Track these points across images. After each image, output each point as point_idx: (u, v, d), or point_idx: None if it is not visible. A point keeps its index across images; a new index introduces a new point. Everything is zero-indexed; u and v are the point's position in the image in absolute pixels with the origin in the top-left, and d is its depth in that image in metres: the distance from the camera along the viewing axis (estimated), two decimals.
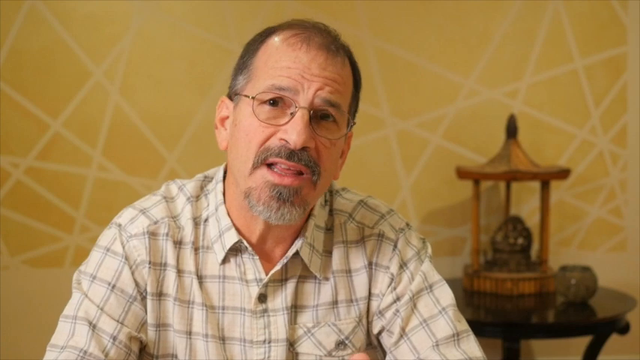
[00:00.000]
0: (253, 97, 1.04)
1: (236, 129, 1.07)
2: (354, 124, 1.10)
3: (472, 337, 1.11)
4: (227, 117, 1.11)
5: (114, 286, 1.08)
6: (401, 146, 2.88)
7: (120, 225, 1.12)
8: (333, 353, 1.12)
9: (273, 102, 1.03)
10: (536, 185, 2.87)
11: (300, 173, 1.03)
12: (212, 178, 1.17)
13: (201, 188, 1.16)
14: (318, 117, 1.04)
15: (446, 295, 1.13)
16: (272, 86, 1.03)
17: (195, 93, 2.76)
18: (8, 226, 2.75)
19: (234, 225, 1.10)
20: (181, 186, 1.16)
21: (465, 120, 2.90)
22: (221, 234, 1.10)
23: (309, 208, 1.06)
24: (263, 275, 1.10)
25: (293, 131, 1.01)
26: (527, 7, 2.89)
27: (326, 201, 1.17)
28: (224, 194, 1.13)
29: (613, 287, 2.79)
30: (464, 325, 1.12)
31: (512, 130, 2.70)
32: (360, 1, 2.82)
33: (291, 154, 1.01)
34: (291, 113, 1.02)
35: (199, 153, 2.77)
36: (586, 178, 2.96)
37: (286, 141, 1.01)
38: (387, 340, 1.14)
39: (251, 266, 1.10)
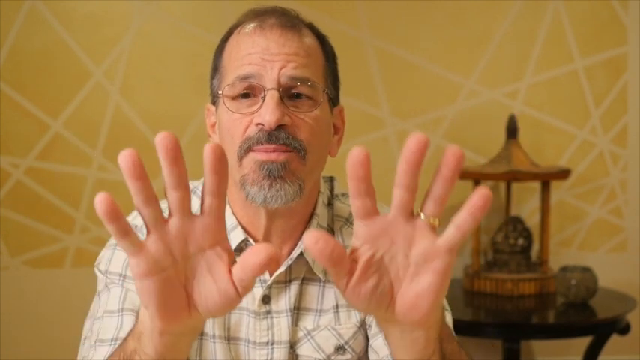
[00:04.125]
0: (222, 93, 1.05)
1: (220, 129, 1.08)
2: (328, 93, 1.08)
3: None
4: (215, 122, 1.13)
5: None
6: (401, 146, 2.85)
7: (135, 227, 1.11)
8: (332, 357, 1.11)
9: (245, 95, 1.04)
10: (536, 185, 2.87)
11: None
12: None
13: None
14: (291, 96, 1.04)
15: None
16: (237, 77, 1.04)
17: (196, 93, 2.76)
18: (8, 226, 2.75)
19: (239, 224, 1.10)
20: (193, 189, 1.16)
21: (465, 120, 2.90)
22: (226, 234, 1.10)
23: (304, 186, 1.04)
24: (267, 276, 1.10)
25: (265, 112, 1.01)
26: (527, 7, 2.89)
27: (329, 202, 1.17)
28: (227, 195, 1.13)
29: (613, 287, 2.79)
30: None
31: (512, 130, 2.70)
32: (360, 1, 2.82)
33: (269, 136, 1.01)
34: (262, 97, 1.03)
35: (200, 153, 2.75)
36: (586, 178, 2.96)
37: (262, 124, 1.01)
38: (368, 333, 1.13)
39: None
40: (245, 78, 1.03)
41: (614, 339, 2.69)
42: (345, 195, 1.19)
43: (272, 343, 1.09)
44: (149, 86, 2.76)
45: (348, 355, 1.12)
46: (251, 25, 1.06)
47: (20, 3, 2.68)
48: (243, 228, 1.10)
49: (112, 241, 1.13)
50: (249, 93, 1.04)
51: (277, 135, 1.01)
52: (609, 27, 2.92)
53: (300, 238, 1.11)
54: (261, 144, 1.01)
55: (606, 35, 2.92)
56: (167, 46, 2.76)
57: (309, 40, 1.07)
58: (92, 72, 2.73)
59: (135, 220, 1.13)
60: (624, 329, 2.55)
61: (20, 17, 2.69)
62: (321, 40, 1.10)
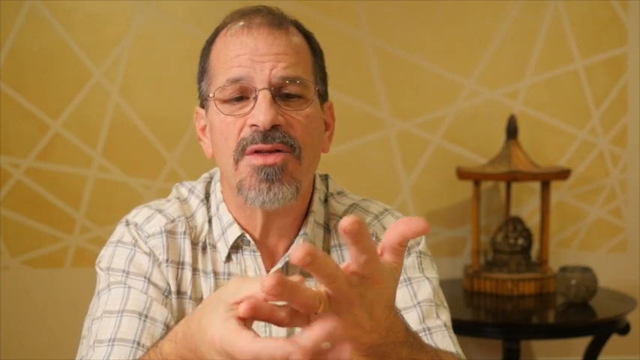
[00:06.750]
0: (213, 96, 1.05)
1: (212, 132, 1.08)
2: (319, 90, 1.09)
3: (447, 333, 1.08)
4: (205, 126, 1.13)
5: (149, 280, 1.07)
6: (401, 147, 2.87)
7: (136, 224, 1.11)
8: None
9: (237, 97, 1.04)
10: (536, 186, 2.87)
11: (279, 151, 1.03)
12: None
13: (207, 189, 1.17)
14: (282, 95, 1.04)
15: (424, 290, 1.11)
16: (227, 80, 1.04)
17: (196, 94, 2.75)
18: (8, 226, 2.74)
19: (236, 221, 1.11)
20: (191, 188, 1.17)
21: (466, 120, 2.89)
22: (223, 231, 1.11)
23: (301, 186, 1.05)
24: (264, 272, 1.10)
25: (259, 113, 1.01)
26: (528, 7, 2.89)
27: (326, 199, 1.17)
28: (222, 193, 1.13)
29: (613, 288, 2.78)
30: (438, 321, 1.09)
31: (512, 130, 2.70)
32: (360, 1, 2.82)
33: (264, 137, 1.01)
34: (254, 98, 1.03)
35: (199, 154, 2.75)
36: (586, 178, 2.96)
37: (256, 125, 1.01)
38: None
39: (251, 263, 1.10)
40: (236, 80, 1.03)
41: (614, 339, 2.69)
42: (340, 193, 1.20)
43: None
44: (149, 86, 2.76)
45: None
46: (237, 26, 1.06)
47: (20, 3, 2.68)
48: (240, 225, 1.11)
49: (113, 239, 1.12)
50: (241, 96, 1.04)
51: (273, 135, 1.01)
52: (609, 27, 2.92)
53: (296, 234, 1.11)
54: (256, 143, 1.01)
55: (606, 35, 2.92)
56: (167, 47, 2.76)
57: (297, 38, 1.07)
58: (92, 72, 2.73)
59: (135, 217, 1.13)
60: (624, 329, 2.55)
61: (20, 17, 2.69)
62: (308, 37, 1.10)
